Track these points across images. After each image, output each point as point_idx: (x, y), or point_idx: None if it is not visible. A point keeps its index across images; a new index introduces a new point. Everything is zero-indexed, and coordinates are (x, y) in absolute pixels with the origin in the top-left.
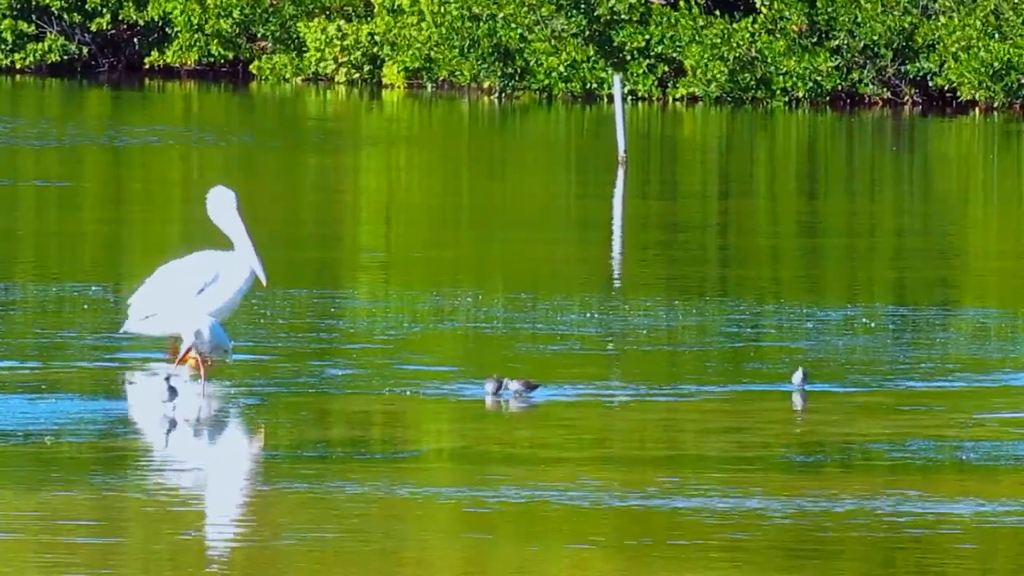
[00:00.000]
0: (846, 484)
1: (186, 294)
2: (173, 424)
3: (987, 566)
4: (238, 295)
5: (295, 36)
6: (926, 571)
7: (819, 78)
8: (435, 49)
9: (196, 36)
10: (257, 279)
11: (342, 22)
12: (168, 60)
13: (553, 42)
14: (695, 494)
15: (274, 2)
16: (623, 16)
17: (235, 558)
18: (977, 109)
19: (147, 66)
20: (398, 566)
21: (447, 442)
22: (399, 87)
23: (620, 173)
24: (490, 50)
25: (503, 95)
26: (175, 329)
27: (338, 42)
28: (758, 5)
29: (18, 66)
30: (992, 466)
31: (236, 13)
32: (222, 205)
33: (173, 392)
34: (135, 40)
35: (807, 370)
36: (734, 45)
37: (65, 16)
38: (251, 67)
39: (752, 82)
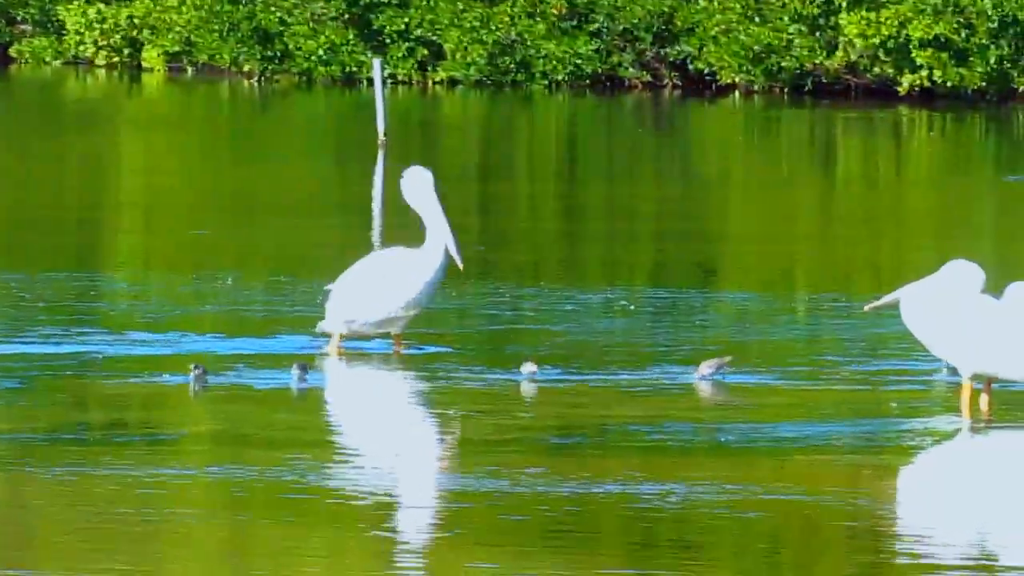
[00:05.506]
0: (604, 466)
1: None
2: None
3: (742, 544)
4: (429, 287)
5: (55, 19)
6: (684, 551)
7: (579, 62)
8: (195, 32)
9: None
10: (453, 265)
11: (102, 5)
12: None
13: (312, 25)
14: (450, 479)
15: None
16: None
17: None
18: (737, 92)
19: None
20: (158, 545)
21: (207, 426)
22: (159, 71)
23: (380, 156)
24: (249, 33)
25: (263, 79)
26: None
27: (98, 25)
28: None
29: None
30: (749, 448)
31: None
32: (418, 186)
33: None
34: None
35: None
36: (493, 28)
37: None
38: (10, 50)
39: (512, 65)
